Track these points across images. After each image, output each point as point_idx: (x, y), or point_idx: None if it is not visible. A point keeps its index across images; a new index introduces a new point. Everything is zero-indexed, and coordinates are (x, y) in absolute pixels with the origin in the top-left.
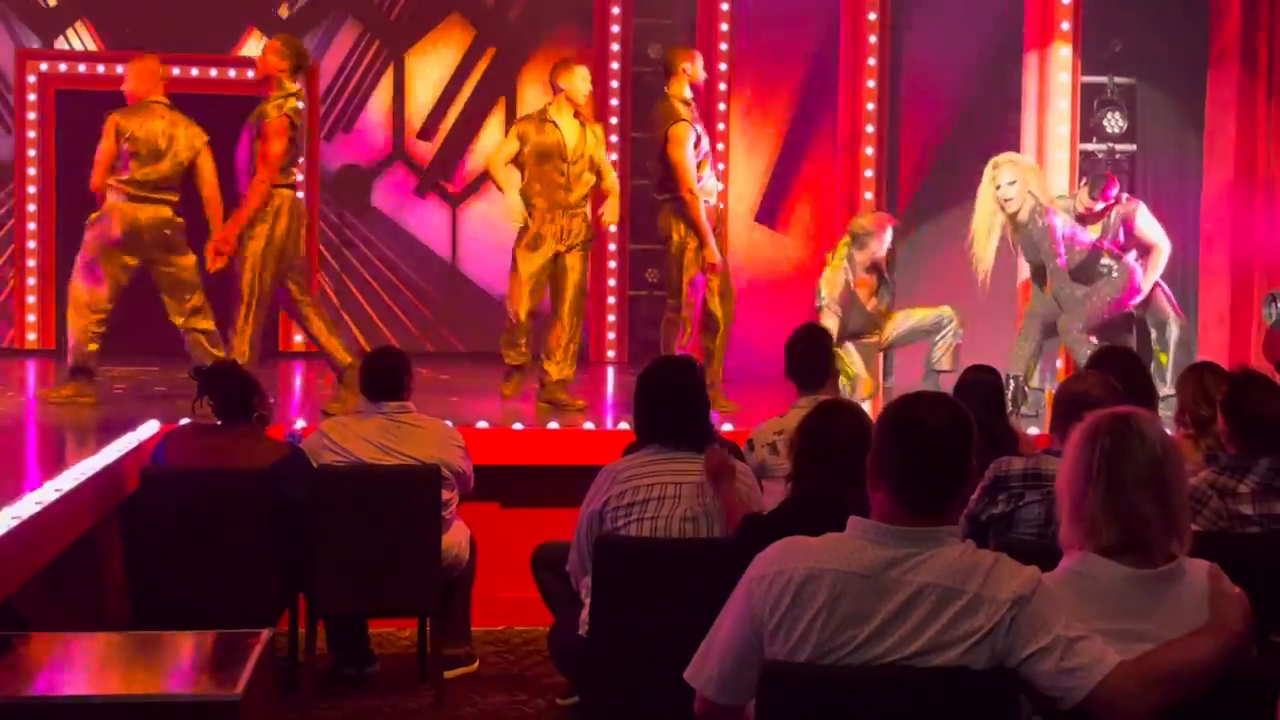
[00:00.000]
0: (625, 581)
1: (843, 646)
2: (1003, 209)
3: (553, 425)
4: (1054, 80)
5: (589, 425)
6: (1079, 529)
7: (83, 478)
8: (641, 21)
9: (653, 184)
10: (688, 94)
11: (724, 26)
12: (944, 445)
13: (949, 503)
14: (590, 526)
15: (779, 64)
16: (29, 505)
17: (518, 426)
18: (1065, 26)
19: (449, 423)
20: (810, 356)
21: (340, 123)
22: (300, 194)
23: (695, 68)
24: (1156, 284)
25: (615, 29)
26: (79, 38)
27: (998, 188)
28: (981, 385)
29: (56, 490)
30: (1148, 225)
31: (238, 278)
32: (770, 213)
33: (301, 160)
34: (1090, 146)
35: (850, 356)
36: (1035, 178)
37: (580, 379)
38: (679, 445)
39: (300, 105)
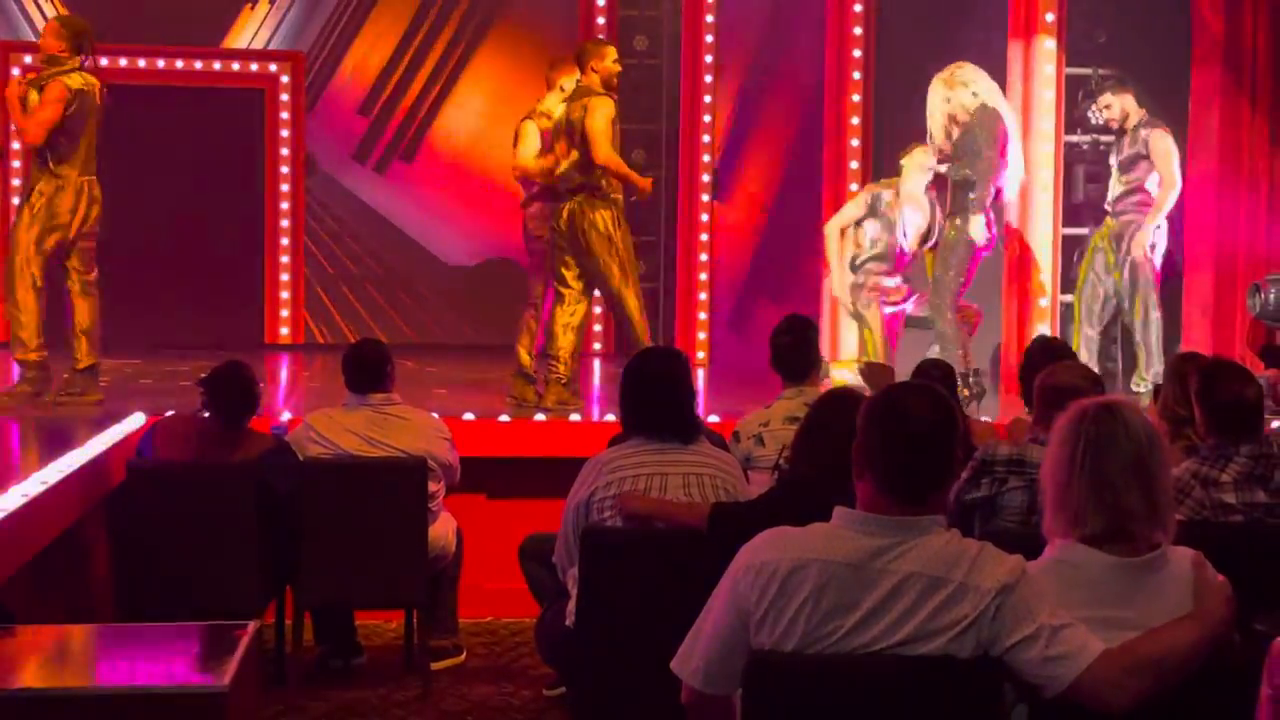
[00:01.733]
0: (611, 572)
1: (829, 635)
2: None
3: (539, 417)
4: (1039, 72)
5: (575, 417)
6: (1064, 518)
7: (68, 471)
8: (626, 14)
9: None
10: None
11: (709, 19)
12: (928, 435)
13: (934, 492)
14: (576, 518)
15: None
16: (14, 498)
17: (504, 419)
18: (1050, 18)
19: (435, 414)
20: (797, 349)
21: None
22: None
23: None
24: (1148, 256)
25: (600, 20)
26: None
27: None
28: (934, 375)
29: (42, 483)
30: (1164, 155)
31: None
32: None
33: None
34: (1075, 138)
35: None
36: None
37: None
38: (664, 436)
39: (84, 84)
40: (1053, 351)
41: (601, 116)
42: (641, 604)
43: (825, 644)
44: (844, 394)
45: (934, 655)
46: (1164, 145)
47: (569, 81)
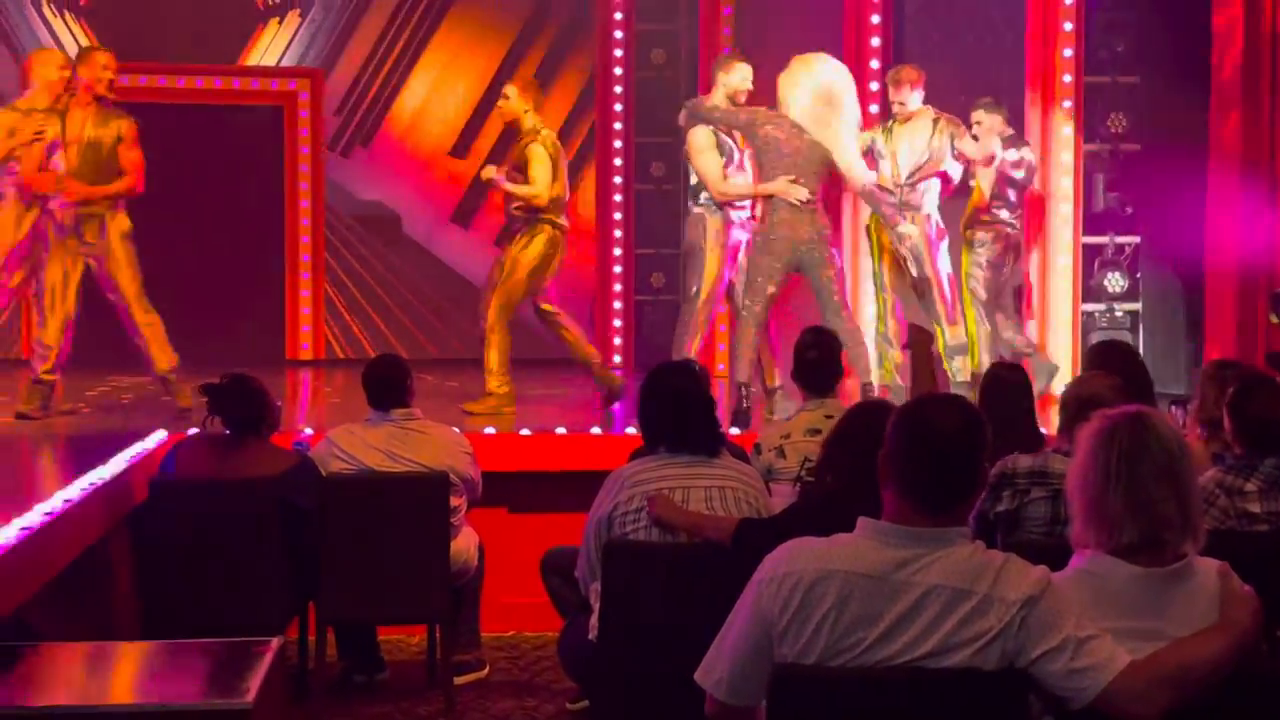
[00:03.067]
0: (634, 585)
1: (852, 648)
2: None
3: (560, 430)
4: (1057, 81)
5: (596, 430)
6: (1096, 529)
7: (91, 488)
8: (644, 28)
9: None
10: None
11: (726, 31)
12: (955, 446)
13: (959, 504)
14: (598, 532)
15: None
16: (38, 516)
17: (525, 432)
18: (1068, 27)
19: (456, 429)
20: (823, 363)
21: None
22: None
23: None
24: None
25: (618, 34)
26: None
27: None
28: (1008, 385)
29: (65, 501)
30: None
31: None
32: None
33: None
34: (1094, 147)
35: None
36: None
37: (583, 384)
38: (686, 449)
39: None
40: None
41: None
42: (664, 617)
43: (849, 656)
44: (873, 405)
45: (959, 668)
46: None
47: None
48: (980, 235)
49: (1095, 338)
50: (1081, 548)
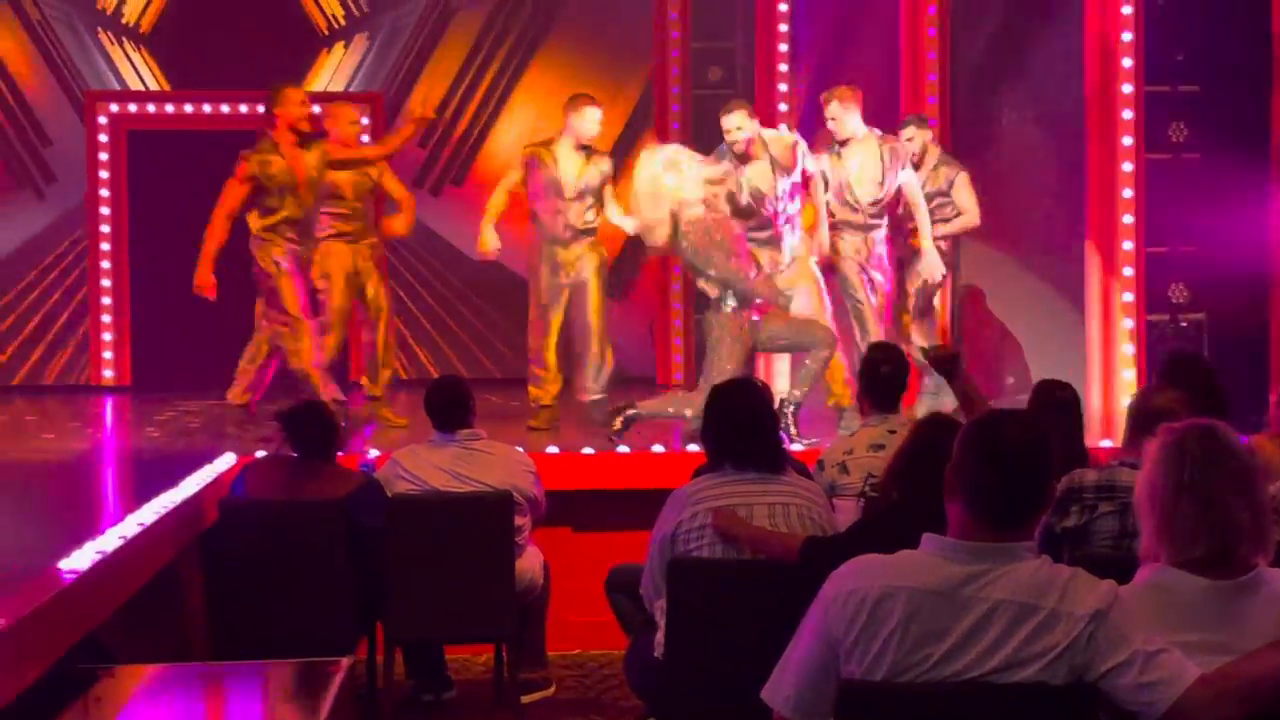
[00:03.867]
0: (699, 603)
1: (919, 664)
2: None
3: (623, 449)
4: (1117, 91)
5: (658, 448)
6: (1168, 541)
7: (163, 511)
8: (700, 46)
9: None
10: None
11: (783, 47)
12: (1023, 462)
13: (1026, 519)
14: (662, 550)
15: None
16: (112, 539)
17: (587, 451)
18: (1127, 37)
19: (520, 449)
20: (896, 379)
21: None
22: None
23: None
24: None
25: (675, 54)
26: (144, 77)
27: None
28: (1056, 401)
29: (138, 524)
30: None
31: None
32: None
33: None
34: (1156, 156)
35: None
36: None
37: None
38: (750, 466)
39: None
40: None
41: None
42: (730, 634)
43: (916, 673)
44: (940, 420)
45: (1027, 683)
46: (964, 182)
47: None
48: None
49: (1159, 350)
50: (1150, 561)
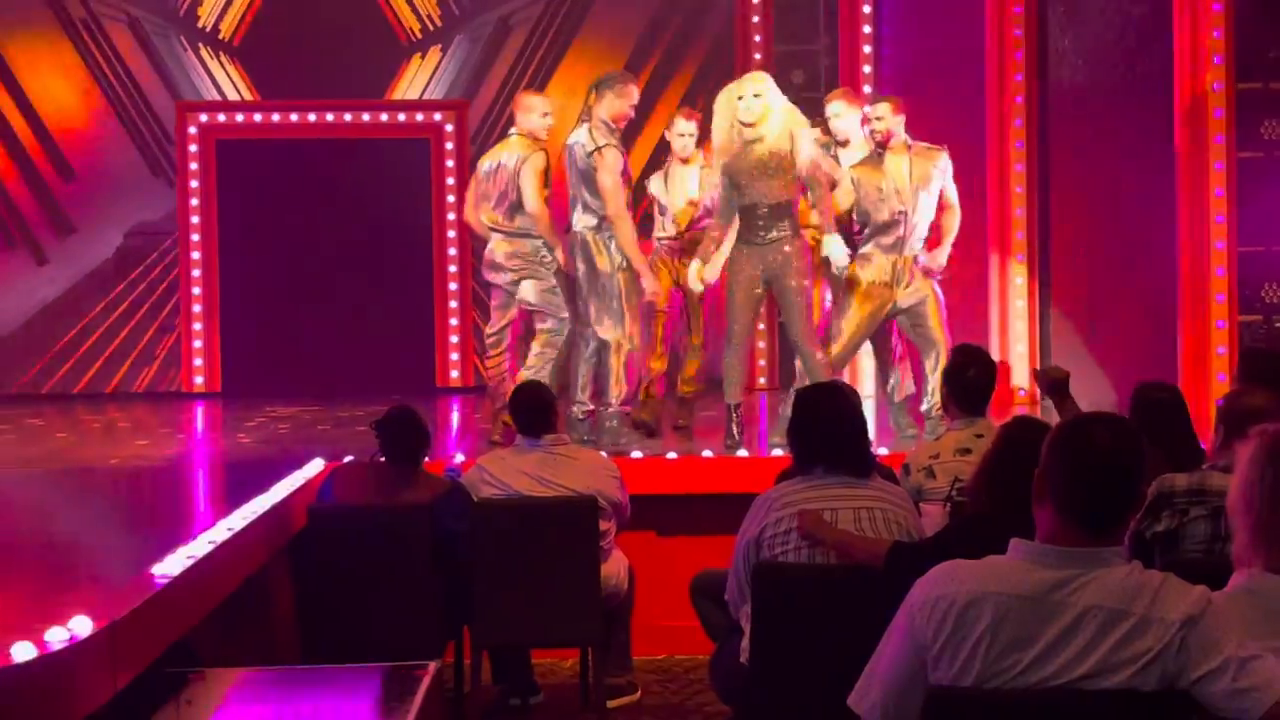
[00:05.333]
0: (785, 608)
1: (1008, 670)
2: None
3: (706, 454)
4: (1208, 89)
5: (743, 452)
6: (1262, 546)
7: (253, 516)
8: (783, 49)
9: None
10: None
11: (866, 49)
12: (1113, 465)
13: (1116, 524)
14: (747, 554)
15: (924, 90)
16: (202, 545)
17: (671, 456)
18: (1217, 35)
19: (604, 454)
20: (984, 383)
21: None
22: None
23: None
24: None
25: (757, 56)
26: (233, 86)
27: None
28: (1160, 403)
29: (228, 529)
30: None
31: None
32: None
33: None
34: (1248, 154)
35: None
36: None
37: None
38: (835, 470)
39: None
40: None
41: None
42: (816, 639)
43: (1004, 679)
44: (1030, 423)
45: (1118, 689)
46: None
47: None
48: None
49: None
50: (1244, 566)
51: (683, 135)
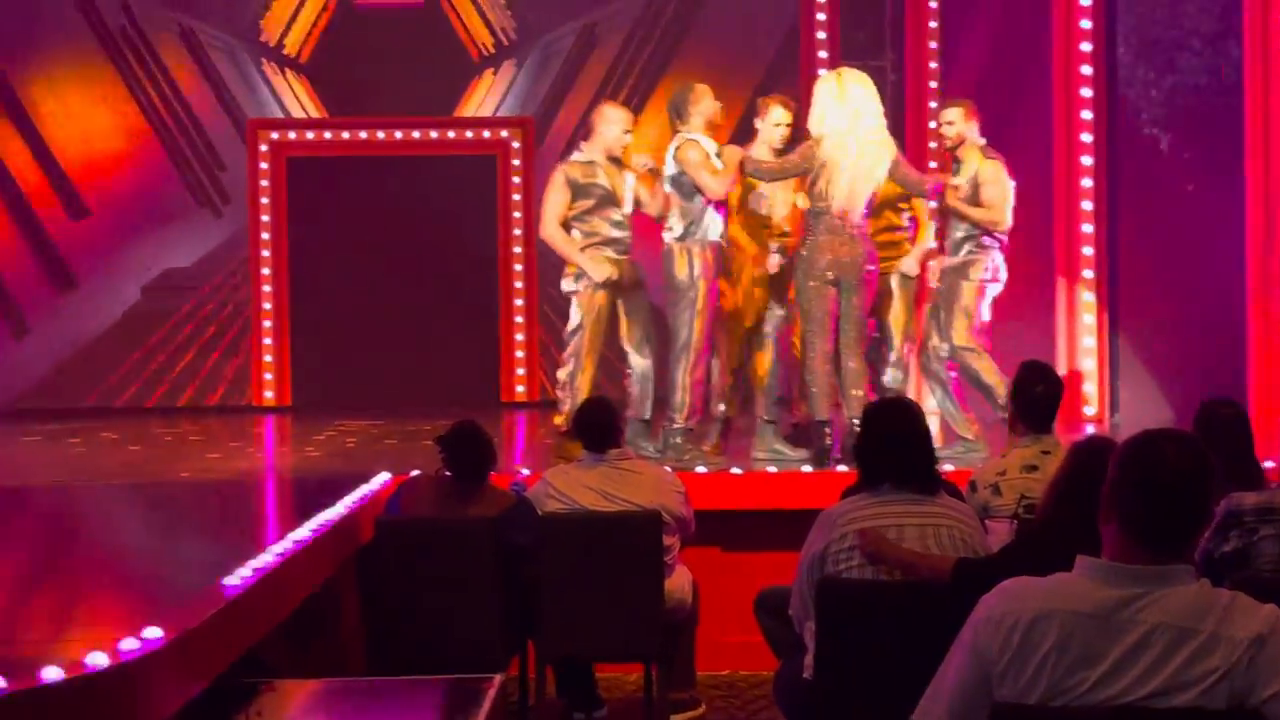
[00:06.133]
0: (849, 625)
1: (1074, 688)
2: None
3: (771, 469)
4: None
5: (807, 468)
6: None
7: (321, 529)
8: (850, 64)
9: None
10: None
11: (933, 65)
12: (1182, 484)
13: (1184, 541)
14: (811, 571)
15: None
16: (271, 557)
17: (736, 471)
18: None
19: (669, 468)
20: (1053, 398)
21: None
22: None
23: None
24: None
25: (822, 72)
26: (302, 105)
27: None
28: (1224, 420)
29: (296, 542)
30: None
31: None
32: None
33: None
34: None
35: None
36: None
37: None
38: (902, 487)
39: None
40: None
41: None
42: (881, 656)
43: (1070, 697)
44: (1100, 442)
45: (1186, 708)
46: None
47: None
48: None
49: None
50: None
51: (779, 125)
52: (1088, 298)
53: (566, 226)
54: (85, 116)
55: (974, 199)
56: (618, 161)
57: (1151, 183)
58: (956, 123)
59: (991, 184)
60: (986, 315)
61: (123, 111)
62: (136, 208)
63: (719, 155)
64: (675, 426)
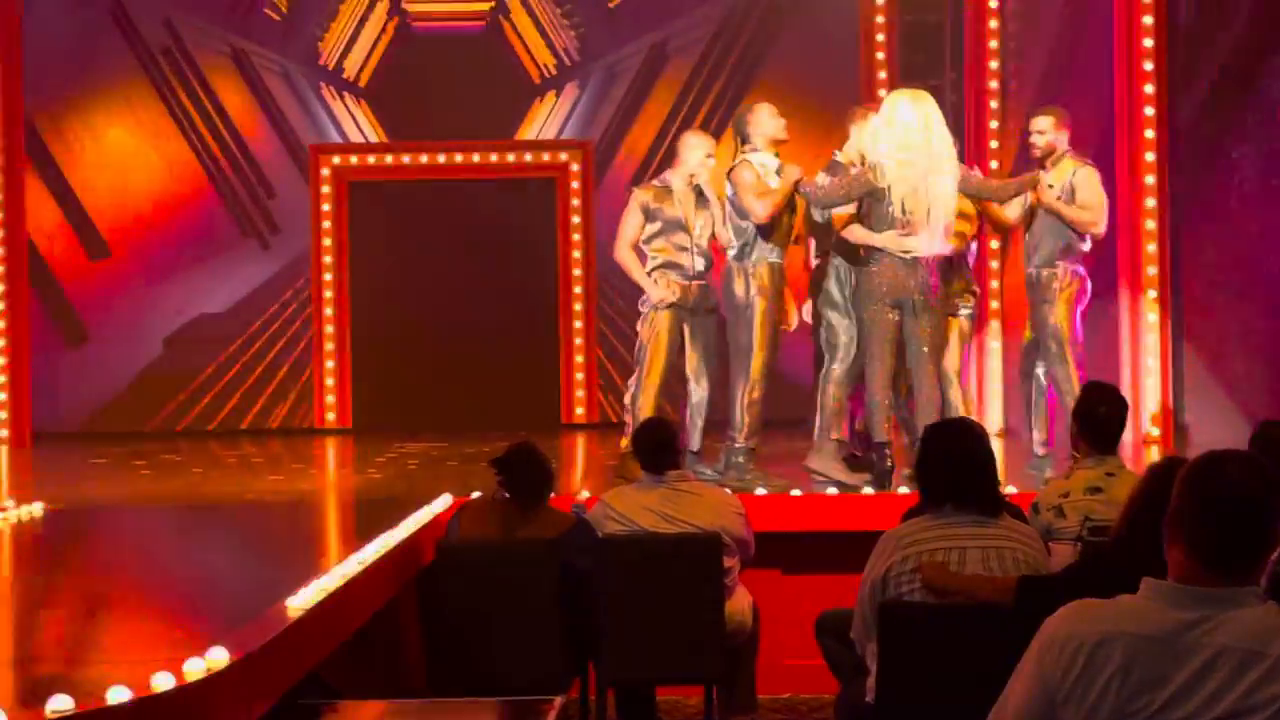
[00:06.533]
0: (911, 647)
1: (1139, 712)
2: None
3: (831, 490)
4: None
5: (868, 490)
6: None
7: (383, 551)
8: (910, 83)
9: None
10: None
11: (992, 84)
12: (1247, 505)
13: (1251, 564)
14: (873, 594)
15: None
16: (334, 578)
17: (795, 493)
18: None
19: (728, 490)
20: (1117, 420)
21: None
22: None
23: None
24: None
25: (882, 93)
26: (361, 129)
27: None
28: (1278, 440)
29: (359, 563)
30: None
31: None
32: None
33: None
34: None
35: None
36: None
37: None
38: (963, 509)
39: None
40: None
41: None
42: (943, 680)
43: None
44: (1173, 463)
45: None
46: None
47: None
48: None
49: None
50: None
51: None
52: (1151, 317)
53: (640, 250)
54: (124, 145)
55: (1069, 203)
56: (699, 189)
57: (1216, 198)
58: (1048, 131)
59: (1086, 187)
60: (1080, 333)
61: (166, 136)
62: (182, 241)
63: (779, 172)
64: (736, 446)
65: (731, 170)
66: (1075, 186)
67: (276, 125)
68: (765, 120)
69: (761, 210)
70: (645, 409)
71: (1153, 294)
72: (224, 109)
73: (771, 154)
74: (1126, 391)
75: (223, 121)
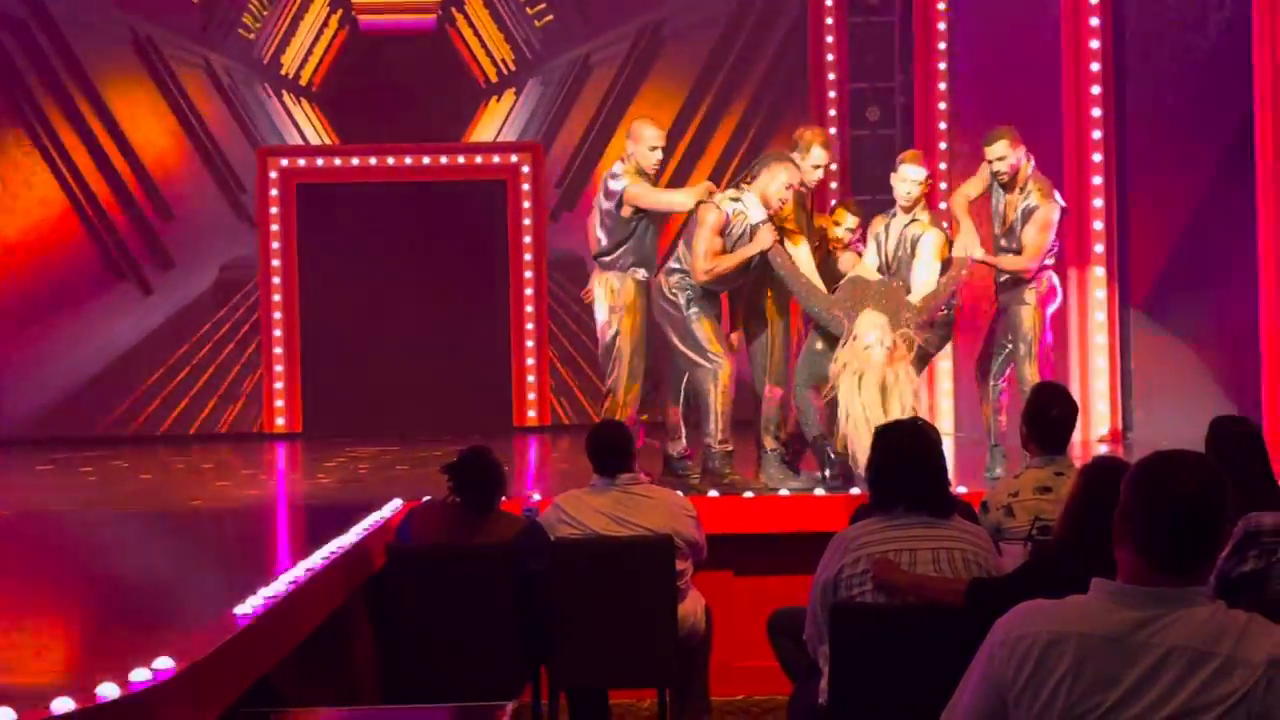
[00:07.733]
0: (863, 649)
1: (1090, 712)
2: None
3: (783, 492)
4: None
5: (819, 491)
6: None
7: (332, 556)
8: (857, 86)
9: None
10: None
11: (941, 86)
12: (1197, 505)
13: (1199, 563)
14: (825, 595)
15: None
16: (282, 584)
17: (748, 495)
18: None
19: (680, 493)
20: (1068, 422)
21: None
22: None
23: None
24: None
25: (832, 94)
26: (313, 131)
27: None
28: (1236, 437)
29: (307, 569)
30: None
31: None
32: None
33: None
34: None
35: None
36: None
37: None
38: (914, 510)
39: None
40: None
41: None
42: (895, 680)
43: None
44: (1112, 463)
45: None
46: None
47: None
48: None
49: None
50: None
51: (817, 168)
52: (1099, 317)
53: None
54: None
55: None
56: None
57: (1163, 184)
58: (1007, 155)
59: (1034, 225)
60: (1049, 335)
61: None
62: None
63: (764, 223)
64: (714, 450)
65: (700, 205)
66: (1026, 217)
67: (242, 128)
68: (781, 177)
69: (703, 270)
70: (621, 407)
71: (1100, 294)
72: (201, 117)
73: (763, 208)
74: (1075, 391)
75: (199, 124)
